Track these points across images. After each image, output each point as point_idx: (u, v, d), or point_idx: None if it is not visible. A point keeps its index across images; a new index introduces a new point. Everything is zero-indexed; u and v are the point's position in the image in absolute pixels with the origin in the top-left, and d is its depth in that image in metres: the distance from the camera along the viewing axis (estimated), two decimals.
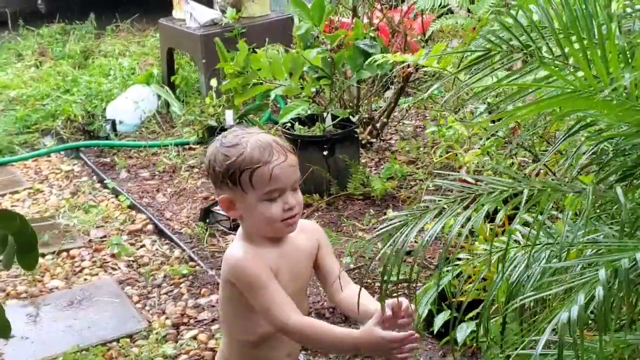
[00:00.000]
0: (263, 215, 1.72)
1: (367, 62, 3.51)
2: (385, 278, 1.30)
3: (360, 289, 1.55)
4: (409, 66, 3.66)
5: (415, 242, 1.43)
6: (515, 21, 1.48)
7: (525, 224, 1.55)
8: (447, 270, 1.46)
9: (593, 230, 1.34)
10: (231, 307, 1.80)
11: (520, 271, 1.30)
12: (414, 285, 3.00)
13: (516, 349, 1.24)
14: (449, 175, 1.45)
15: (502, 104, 1.65)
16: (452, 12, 3.97)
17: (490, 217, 1.41)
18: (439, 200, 1.32)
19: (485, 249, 1.49)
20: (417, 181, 3.88)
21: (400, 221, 1.33)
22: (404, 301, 1.63)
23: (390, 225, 1.34)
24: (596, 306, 1.00)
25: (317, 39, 3.85)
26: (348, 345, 1.68)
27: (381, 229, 1.35)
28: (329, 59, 3.78)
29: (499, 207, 1.38)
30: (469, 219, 1.27)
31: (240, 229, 1.83)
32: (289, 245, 1.80)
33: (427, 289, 1.49)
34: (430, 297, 1.42)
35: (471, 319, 2.24)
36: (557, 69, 1.27)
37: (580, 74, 1.17)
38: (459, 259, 1.50)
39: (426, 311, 2.39)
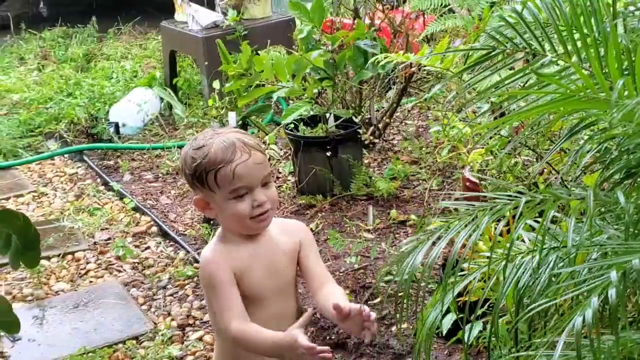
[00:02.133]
0: (232, 213, 1.76)
1: (370, 61, 3.51)
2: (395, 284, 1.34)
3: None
4: (411, 66, 3.66)
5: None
6: (520, 18, 1.48)
7: (532, 227, 1.56)
8: (452, 282, 1.49)
9: (598, 232, 1.34)
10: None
11: (527, 278, 1.31)
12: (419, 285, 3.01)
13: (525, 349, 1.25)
14: (453, 177, 1.48)
15: (504, 102, 1.66)
16: (453, 12, 3.97)
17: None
18: (445, 222, 1.38)
19: (492, 257, 1.51)
20: (420, 181, 3.89)
21: (410, 247, 1.45)
22: (366, 309, 1.62)
23: (401, 250, 1.46)
24: (608, 308, 1.01)
25: (319, 41, 3.85)
26: (270, 347, 1.70)
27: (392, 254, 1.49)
28: (330, 60, 3.79)
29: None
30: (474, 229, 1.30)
31: (219, 229, 1.87)
32: (266, 242, 1.83)
33: (434, 303, 1.52)
34: (437, 315, 1.46)
35: (477, 318, 2.24)
36: (555, 71, 1.27)
37: (578, 75, 1.18)
38: (463, 270, 1.53)
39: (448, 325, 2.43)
